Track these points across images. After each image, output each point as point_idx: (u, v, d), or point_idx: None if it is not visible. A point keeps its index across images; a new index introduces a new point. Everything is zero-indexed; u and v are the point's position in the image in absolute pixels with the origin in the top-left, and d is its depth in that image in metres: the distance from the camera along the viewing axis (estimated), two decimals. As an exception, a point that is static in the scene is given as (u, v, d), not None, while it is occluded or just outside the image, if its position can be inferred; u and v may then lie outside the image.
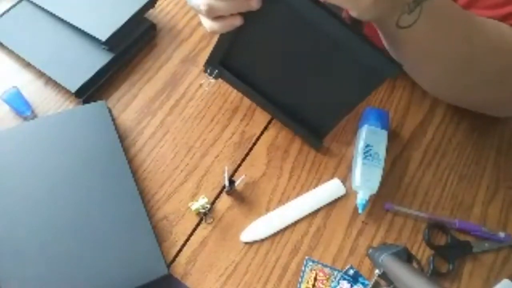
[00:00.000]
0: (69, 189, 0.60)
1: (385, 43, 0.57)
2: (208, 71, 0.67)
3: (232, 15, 0.53)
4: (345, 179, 0.66)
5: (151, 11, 0.74)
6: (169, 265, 0.59)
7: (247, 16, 0.53)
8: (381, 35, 0.56)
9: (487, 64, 0.57)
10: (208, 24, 0.54)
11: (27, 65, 0.70)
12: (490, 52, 0.57)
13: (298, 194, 0.65)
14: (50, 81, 0.69)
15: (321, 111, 0.64)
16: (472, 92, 0.63)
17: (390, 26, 0.50)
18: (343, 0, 0.46)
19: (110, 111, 0.66)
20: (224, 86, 0.71)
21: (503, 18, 0.59)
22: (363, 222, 0.64)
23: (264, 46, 0.62)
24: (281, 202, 0.64)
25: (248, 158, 0.67)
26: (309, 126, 0.66)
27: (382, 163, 0.65)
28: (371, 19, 0.50)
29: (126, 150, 0.65)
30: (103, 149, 0.63)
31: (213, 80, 0.68)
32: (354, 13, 0.48)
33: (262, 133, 0.69)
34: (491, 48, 0.57)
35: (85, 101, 0.68)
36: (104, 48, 0.69)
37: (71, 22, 0.70)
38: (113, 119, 0.66)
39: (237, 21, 0.53)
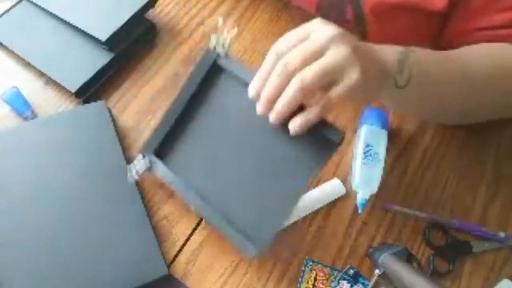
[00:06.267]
0: (69, 189, 0.60)
1: (386, 103, 0.64)
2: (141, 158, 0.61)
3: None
4: (345, 179, 0.66)
5: (151, 11, 0.74)
6: (169, 265, 0.59)
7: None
8: (383, 99, 0.61)
9: (489, 94, 0.60)
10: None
11: (27, 65, 0.70)
12: (488, 85, 0.59)
13: (298, 194, 0.65)
14: (50, 81, 0.69)
15: (260, 216, 0.57)
16: (479, 116, 0.66)
17: (391, 88, 0.53)
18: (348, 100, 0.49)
19: (110, 111, 0.66)
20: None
21: None
22: (363, 222, 0.64)
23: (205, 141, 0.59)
24: (281, 202, 0.64)
25: (248, 158, 0.67)
26: (246, 232, 0.56)
27: (382, 163, 0.64)
28: (375, 94, 0.55)
29: (126, 150, 0.65)
30: (102, 149, 0.63)
31: (141, 170, 0.60)
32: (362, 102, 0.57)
33: (262, 133, 0.69)
34: (488, 81, 0.58)
35: (85, 101, 0.68)
36: (104, 48, 0.69)
37: (71, 22, 0.70)
38: (113, 119, 0.66)
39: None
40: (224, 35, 0.57)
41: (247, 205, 0.57)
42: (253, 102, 0.51)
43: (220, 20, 0.59)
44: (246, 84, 0.52)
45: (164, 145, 0.61)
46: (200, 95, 0.60)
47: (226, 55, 0.58)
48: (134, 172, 0.60)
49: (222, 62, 0.58)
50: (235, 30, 0.58)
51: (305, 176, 0.54)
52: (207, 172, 0.59)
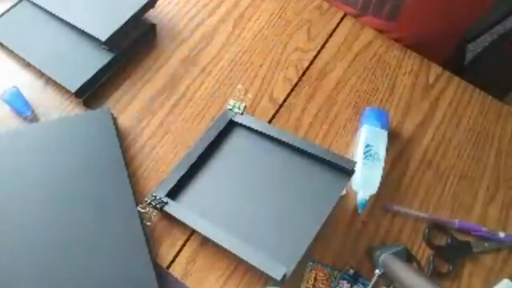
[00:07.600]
0: (66, 197, 0.59)
1: None
2: (152, 199, 0.61)
3: None
4: (345, 179, 0.66)
5: (151, 11, 0.74)
6: (169, 265, 0.59)
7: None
8: None
9: None
10: None
11: (27, 65, 0.70)
12: None
13: (298, 194, 0.65)
14: (50, 81, 0.69)
15: (285, 241, 0.57)
16: None
17: None
18: None
19: (113, 117, 0.66)
20: (223, 88, 0.71)
21: None
22: (363, 222, 0.64)
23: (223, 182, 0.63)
24: (281, 202, 0.64)
25: (248, 158, 0.67)
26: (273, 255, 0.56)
27: (382, 163, 0.65)
28: None
29: (126, 150, 0.65)
30: (103, 158, 0.62)
31: (155, 213, 0.61)
32: None
33: (262, 133, 0.69)
34: None
35: (85, 101, 0.68)
36: (104, 48, 0.69)
37: (71, 22, 0.70)
38: (116, 127, 0.65)
39: None
40: (241, 100, 0.69)
41: (269, 232, 0.58)
42: (266, 144, 0.64)
43: (239, 87, 0.70)
44: (257, 132, 0.65)
45: (179, 187, 0.62)
46: (217, 143, 0.66)
47: (241, 114, 0.68)
48: (148, 218, 0.61)
49: (237, 118, 0.68)
50: (250, 96, 0.69)
51: (326, 202, 0.57)
52: (225, 207, 0.61)
